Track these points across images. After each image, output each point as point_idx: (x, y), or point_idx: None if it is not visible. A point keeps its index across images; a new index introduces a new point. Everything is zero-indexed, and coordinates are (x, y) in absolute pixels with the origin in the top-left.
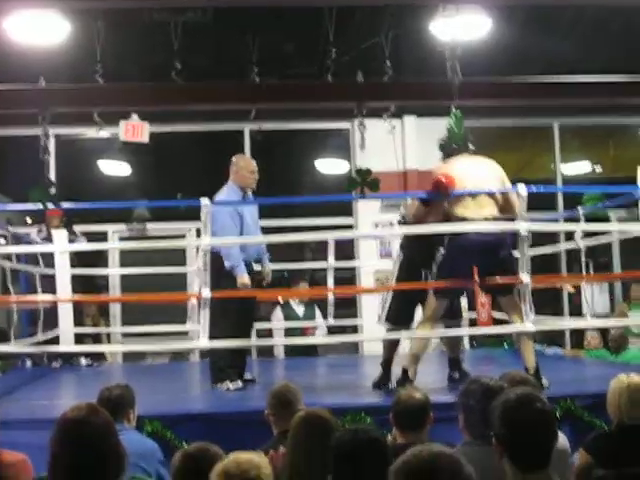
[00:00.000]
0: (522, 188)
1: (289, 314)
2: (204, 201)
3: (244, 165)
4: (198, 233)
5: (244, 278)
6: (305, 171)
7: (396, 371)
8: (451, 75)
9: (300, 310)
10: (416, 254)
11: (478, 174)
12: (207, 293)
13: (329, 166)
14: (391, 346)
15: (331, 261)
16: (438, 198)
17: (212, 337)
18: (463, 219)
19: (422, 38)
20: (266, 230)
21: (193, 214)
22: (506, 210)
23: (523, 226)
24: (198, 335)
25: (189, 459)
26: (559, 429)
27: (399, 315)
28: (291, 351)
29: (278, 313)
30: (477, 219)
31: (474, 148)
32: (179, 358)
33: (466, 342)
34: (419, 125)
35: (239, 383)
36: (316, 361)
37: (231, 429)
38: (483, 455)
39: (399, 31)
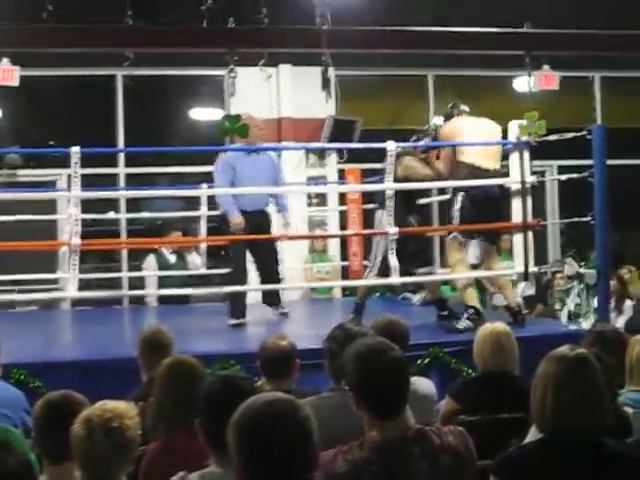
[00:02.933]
0: (391, 144)
1: (161, 262)
2: (74, 149)
3: (250, 123)
4: (69, 180)
5: (235, 218)
6: (179, 118)
7: None
8: (320, 23)
9: (172, 258)
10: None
11: (482, 128)
12: (77, 241)
13: (203, 114)
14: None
15: (204, 210)
16: None
17: (229, 281)
18: (474, 166)
19: None
20: (139, 178)
21: (64, 161)
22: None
23: (390, 186)
24: (68, 284)
25: (51, 407)
26: (426, 375)
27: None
28: (164, 299)
29: (151, 261)
30: (484, 167)
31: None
32: (49, 306)
33: (338, 291)
34: (295, 73)
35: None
36: (189, 309)
37: (102, 377)
38: (346, 400)
39: None
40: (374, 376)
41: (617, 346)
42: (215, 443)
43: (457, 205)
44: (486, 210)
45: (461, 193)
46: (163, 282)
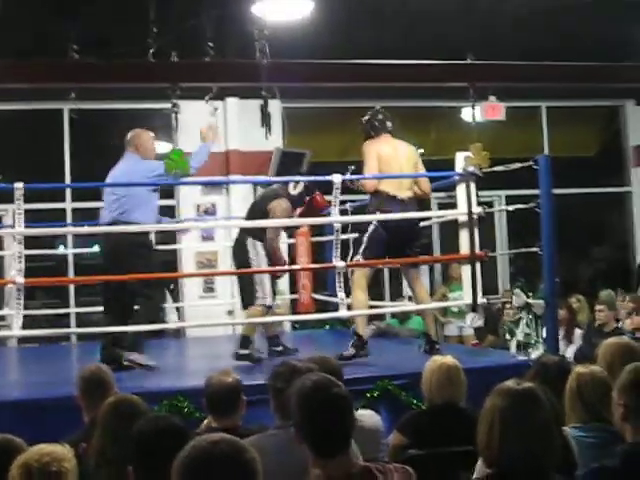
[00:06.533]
0: (337, 177)
1: None
2: (18, 185)
3: (148, 137)
4: (14, 216)
5: None
6: None
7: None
8: (260, 56)
9: None
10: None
11: (401, 155)
12: (21, 279)
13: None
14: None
15: None
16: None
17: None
18: (388, 195)
19: (246, 19)
20: (89, 212)
21: (10, 197)
22: (417, 192)
23: (338, 219)
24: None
25: None
26: (376, 409)
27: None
28: None
29: None
30: (399, 197)
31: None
32: None
33: (287, 325)
34: (241, 106)
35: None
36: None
37: (44, 417)
38: (291, 438)
39: (222, 12)
40: (317, 413)
41: (559, 378)
42: None
43: (367, 233)
44: (396, 240)
45: (374, 223)
46: None
